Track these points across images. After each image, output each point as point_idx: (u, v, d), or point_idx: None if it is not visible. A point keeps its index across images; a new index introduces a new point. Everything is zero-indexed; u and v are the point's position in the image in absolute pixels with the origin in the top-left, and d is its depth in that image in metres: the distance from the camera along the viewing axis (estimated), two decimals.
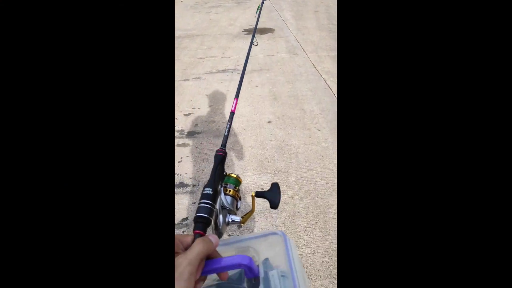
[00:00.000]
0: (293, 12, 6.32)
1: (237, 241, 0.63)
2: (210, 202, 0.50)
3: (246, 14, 6.32)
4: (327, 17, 5.80)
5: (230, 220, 0.54)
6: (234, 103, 0.74)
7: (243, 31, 5.25)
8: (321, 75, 3.47)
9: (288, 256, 0.58)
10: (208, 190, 0.51)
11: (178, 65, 3.80)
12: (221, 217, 0.54)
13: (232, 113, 0.70)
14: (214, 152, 0.59)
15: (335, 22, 5.26)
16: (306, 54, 4.14)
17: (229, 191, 0.57)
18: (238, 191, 0.58)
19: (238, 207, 0.57)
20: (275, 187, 0.59)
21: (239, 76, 0.81)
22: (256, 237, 0.65)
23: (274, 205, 0.57)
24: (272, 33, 5.10)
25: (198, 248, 0.41)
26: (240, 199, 0.58)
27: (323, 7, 6.53)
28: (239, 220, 0.54)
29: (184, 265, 0.37)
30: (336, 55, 3.88)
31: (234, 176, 0.59)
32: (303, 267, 0.56)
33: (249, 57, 0.90)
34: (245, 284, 0.54)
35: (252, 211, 0.56)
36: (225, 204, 0.54)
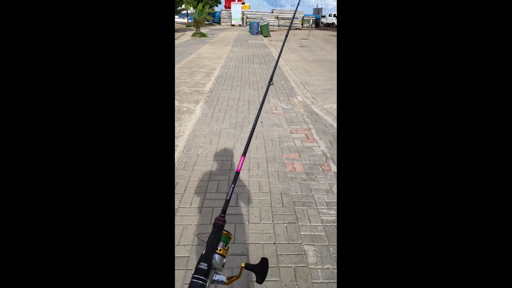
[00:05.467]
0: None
1: None
2: (202, 278, 0.54)
3: None
4: None
5: (216, 279, 0.59)
6: (241, 162, 0.71)
7: None
8: None
9: None
10: (203, 266, 0.55)
11: None
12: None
13: (237, 173, 0.70)
14: None
15: None
16: None
17: (219, 250, 0.61)
18: (227, 249, 0.62)
19: (223, 264, 0.60)
20: (264, 262, 0.60)
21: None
22: None
23: (260, 280, 0.59)
24: None
25: None
26: (226, 256, 0.62)
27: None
28: (224, 281, 0.59)
29: None
30: None
31: (225, 233, 0.63)
32: None
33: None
34: None
35: (238, 277, 0.60)
36: (214, 264, 0.59)
